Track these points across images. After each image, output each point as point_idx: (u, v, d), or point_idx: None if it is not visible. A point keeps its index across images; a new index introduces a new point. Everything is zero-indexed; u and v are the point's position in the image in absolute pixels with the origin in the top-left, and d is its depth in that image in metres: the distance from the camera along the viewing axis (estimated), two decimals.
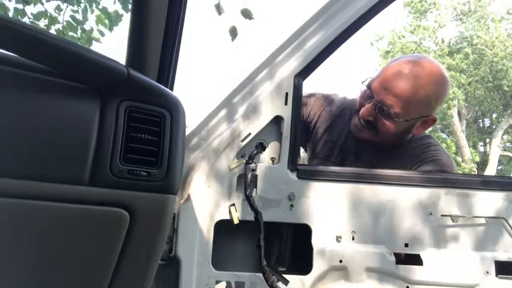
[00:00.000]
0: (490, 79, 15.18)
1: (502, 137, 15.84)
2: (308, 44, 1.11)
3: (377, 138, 1.23)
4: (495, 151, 15.00)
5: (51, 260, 0.68)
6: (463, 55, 15.37)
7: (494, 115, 17.43)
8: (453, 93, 14.46)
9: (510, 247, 1.10)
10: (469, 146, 15.53)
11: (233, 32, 2.78)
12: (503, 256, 1.09)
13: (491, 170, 14.33)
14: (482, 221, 1.09)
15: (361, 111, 1.20)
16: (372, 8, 1.11)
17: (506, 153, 16.49)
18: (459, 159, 14.56)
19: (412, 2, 15.88)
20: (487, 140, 17.57)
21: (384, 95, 1.16)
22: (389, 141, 1.26)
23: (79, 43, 3.58)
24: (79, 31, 3.75)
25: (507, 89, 14.96)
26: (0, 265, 0.65)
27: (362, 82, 1.24)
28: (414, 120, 1.20)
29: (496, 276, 1.07)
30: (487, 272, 1.07)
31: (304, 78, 1.11)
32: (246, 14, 2.71)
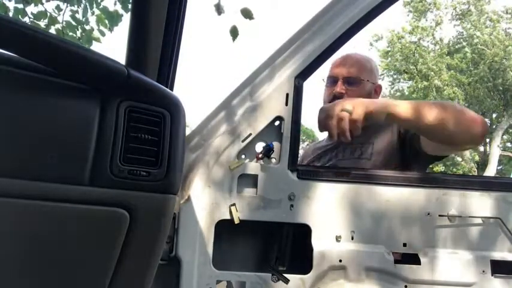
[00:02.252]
0: (490, 79, 15.18)
1: (502, 137, 15.85)
2: (309, 45, 1.11)
3: None
4: (495, 151, 15.01)
5: (51, 260, 0.68)
6: (463, 54, 15.37)
7: (494, 115, 17.44)
8: (453, 93, 14.46)
9: (506, 247, 1.10)
10: None
11: (234, 32, 2.77)
12: (498, 256, 1.09)
13: (491, 170, 14.34)
14: (479, 221, 1.10)
15: (334, 90, 1.45)
16: (373, 9, 1.11)
17: (506, 153, 16.49)
18: (459, 159, 14.56)
19: (412, 1, 15.88)
20: (487, 140, 17.58)
21: (343, 70, 1.47)
22: None
23: (79, 43, 3.58)
24: (79, 31, 3.74)
25: (501, 88, 14.95)
26: (0, 265, 0.65)
27: (323, 79, 1.55)
28: (369, 84, 1.48)
29: (492, 275, 1.08)
30: (483, 271, 1.08)
31: (304, 80, 1.12)
32: (246, 13, 2.69)
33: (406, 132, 1.35)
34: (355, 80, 1.45)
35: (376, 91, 1.53)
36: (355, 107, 1.09)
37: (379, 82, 1.59)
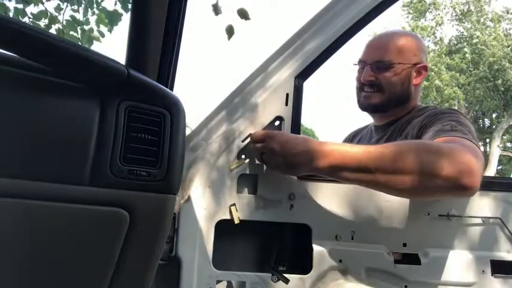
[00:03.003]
0: (490, 78, 15.19)
1: (502, 137, 15.86)
2: (309, 45, 1.11)
3: (384, 98, 1.30)
4: (495, 151, 15.02)
5: (51, 260, 0.68)
6: (462, 54, 15.37)
7: (494, 115, 17.44)
8: (453, 93, 14.46)
9: (506, 247, 1.10)
10: None
11: (229, 31, 2.78)
12: (498, 256, 1.09)
13: (491, 170, 14.34)
14: (479, 221, 1.10)
15: (362, 77, 1.30)
16: (373, 9, 1.11)
17: (506, 153, 16.50)
18: None
19: (411, 2, 15.88)
20: (487, 140, 17.59)
21: (373, 54, 1.31)
22: (396, 96, 1.31)
23: (79, 43, 3.58)
24: (79, 31, 3.74)
25: (502, 88, 14.96)
26: (0, 265, 0.65)
27: (354, 64, 1.38)
28: (407, 66, 1.29)
29: (492, 275, 1.08)
30: (483, 271, 1.08)
31: (304, 80, 1.12)
32: (243, 14, 2.70)
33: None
34: (385, 64, 1.28)
35: (419, 72, 1.32)
36: (268, 152, 1.00)
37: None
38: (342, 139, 1.65)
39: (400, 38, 1.33)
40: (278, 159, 0.99)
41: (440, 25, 15.88)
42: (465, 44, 15.73)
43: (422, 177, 0.91)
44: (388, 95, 1.29)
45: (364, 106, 1.35)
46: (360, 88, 1.33)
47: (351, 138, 1.58)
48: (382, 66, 1.28)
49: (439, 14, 15.99)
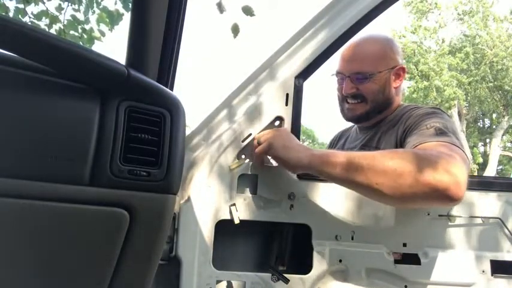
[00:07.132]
0: (491, 79, 15.18)
1: (502, 137, 15.86)
2: (309, 45, 1.11)
3: (368, 106, 1.31)
4: (495, 151, 15.02)
5: (51, 260, 0.68)
6: (464, 54, 15.35)
7: (494, 115, 17.44)
8: (454, 93, 14.45)
9: (506, 247, 1.10)
10: (471, 147, 15.52)
11: (235, 30, 2.79)
12: (498, 256, 1.10)
13: (491, 170, 14.34)
14: (479, 221, 1.10)
15: (343, 90, 1.31)
16: (373, 9, 1.11)
17: (506, 153, 16.50)
18: None
19: (412, 1, 15.86)
20: (487, 140, 17.59)
21: (350, 66, 1.30)
22: (379, 103, 1.32)
23: (80, 42, 3.58)
24: (79, 30, 3.74)
25: (508, 88, 14.94)
26: (0, 265, 0.66)
27: (332, 75, 1.38)
28: (386, 72, 1.30)
29: (492, 275, 1.08)
30: (483, 271, 1.08)
31: (304, 80, 1.12)
32: (247, 10, 2.71)
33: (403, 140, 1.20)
34: (364, 75, 1.28)
35: (398, 75, 1.33)
36: (270, 150, 1.02)
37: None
38: (329, 139, 1.67)
39: (374, 44, 1.32)
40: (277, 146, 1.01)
41: (442, 27, 15.85)
42: (466, 43, 15.71)
43: (411, 186, 0.90)
44: (371, 103, 1.31)
45: (348, 117, 1.37)
46: (343, 99, 1.34)
47: (337, 139, 1.59)
48: (361, 77, 1.28)
49: (440, 14, 15.97)
